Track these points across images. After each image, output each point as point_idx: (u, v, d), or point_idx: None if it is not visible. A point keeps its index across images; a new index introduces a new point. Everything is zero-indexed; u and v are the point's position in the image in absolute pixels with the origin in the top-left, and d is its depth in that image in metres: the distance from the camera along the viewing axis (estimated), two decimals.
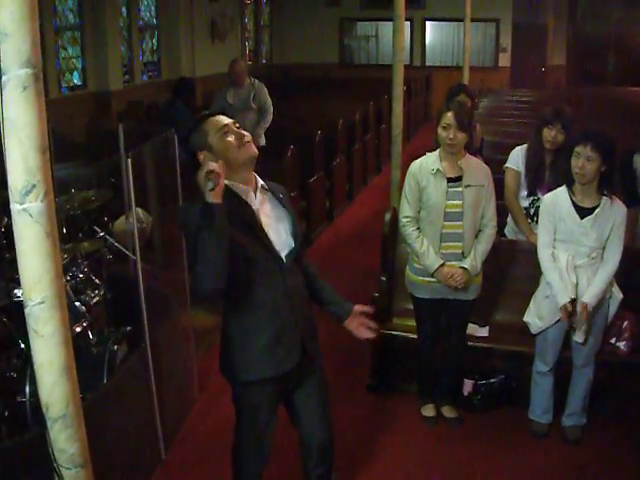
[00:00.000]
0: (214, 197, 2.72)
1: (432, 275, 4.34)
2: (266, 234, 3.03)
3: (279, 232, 3.10)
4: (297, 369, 3.16)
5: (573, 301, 4.14)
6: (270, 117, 8.39)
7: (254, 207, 3.04)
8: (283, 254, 3.07)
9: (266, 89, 8.49)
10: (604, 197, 4.15)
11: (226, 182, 2.96)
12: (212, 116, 3.08)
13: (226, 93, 8.38)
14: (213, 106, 8.60)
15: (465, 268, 4.30)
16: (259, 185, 3.10)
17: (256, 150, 3.06)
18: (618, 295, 4.32)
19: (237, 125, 3.06)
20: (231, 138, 2.99)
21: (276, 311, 3.06)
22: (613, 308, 4.34)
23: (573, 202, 4.18)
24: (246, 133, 3.05)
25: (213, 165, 2.74)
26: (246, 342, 3.07)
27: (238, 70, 8.33)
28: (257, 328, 3.05)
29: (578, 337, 4.26)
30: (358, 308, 3.36)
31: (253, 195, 3.07)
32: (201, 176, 2.75)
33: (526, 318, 4.48)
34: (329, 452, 3.46)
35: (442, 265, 4.30)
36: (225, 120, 3.05)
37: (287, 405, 3.36)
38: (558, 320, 4.28)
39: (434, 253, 4.32)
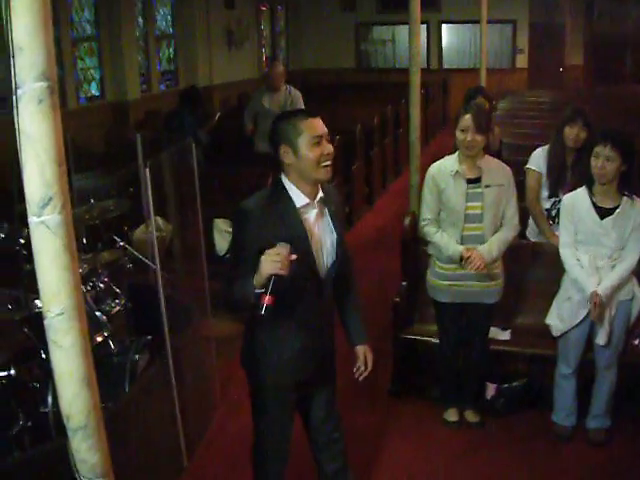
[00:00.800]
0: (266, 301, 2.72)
1: (460, 264, 4.27)
2: (313, 254, 2.99)
3: (326, 247, 3.07)
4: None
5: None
6: None
7: (308, 223, 2.98)
8: (323, 271, 3.07)
9: (301, 97, 8.36)
10: (624, 197, 4.11)
11: (290, 189, 2.96)
12: (313, 117, 2.96)
13: (262, 96, 8.24)
14: (248, 108, 8.52)
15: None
16: (319, 197, 3.02)
17: (330, 176, 2.97)
18: None
19: (329, 138, 2.96)
20: (317, 152, 2.88)
21: (307, 321, 3.09)
22: (636, 310, 4.29)
23: (593, 203, 4.15)
24: (331, 151, 2.95)
25: (281, 270, 2.70)
26: (278, 349, 3.09)
27: (276, 73, 8.18)
28: (289, 337, 3.09)
29: (600, 339, 4.23)
30: (361, 353, 3.41)
31: (312, 209, 3.01)
32: (264, 272, 2.71)
33: (548, 320, 4.45)
34: (338, 447, 3.43)
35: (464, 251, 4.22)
36: (322, 129, 2.94)
37: (298, 403, 3.35)
38: (580, 322, 4.25)
39: (455, 242, 4.28)
